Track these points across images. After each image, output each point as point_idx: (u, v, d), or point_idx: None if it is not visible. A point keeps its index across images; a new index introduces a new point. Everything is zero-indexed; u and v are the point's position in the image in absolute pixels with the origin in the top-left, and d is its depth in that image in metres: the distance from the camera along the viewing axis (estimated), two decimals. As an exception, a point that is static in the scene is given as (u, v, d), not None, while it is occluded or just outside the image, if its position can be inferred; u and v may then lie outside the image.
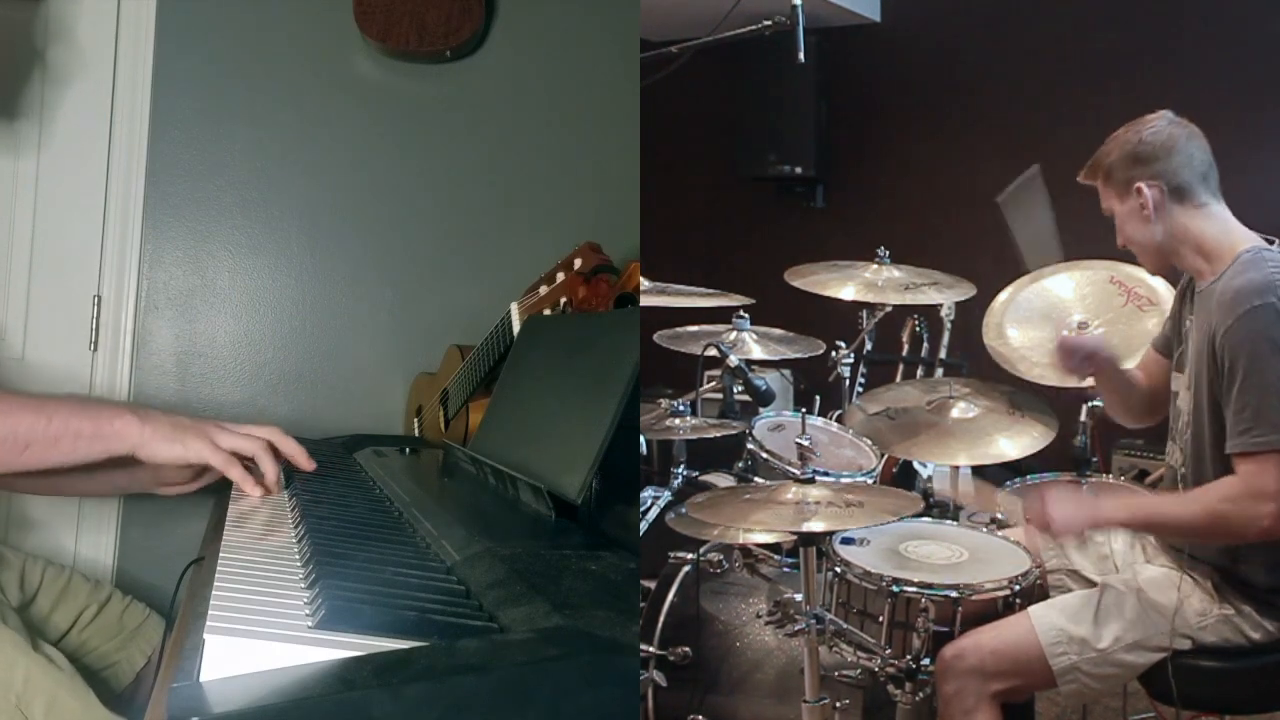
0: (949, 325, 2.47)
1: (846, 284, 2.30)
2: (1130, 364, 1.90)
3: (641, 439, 1.99)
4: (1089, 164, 1.73)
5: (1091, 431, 2.19)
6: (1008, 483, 2.15)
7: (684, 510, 1.88)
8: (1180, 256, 1.68)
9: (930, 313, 2.48)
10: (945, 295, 2.31)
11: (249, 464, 1.59)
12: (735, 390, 1.98)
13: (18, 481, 1.92)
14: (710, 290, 2.41)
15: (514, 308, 2.11)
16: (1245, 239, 1.63)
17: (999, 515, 2.06)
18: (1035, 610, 1.62)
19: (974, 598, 1.65)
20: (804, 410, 2.09)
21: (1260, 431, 1.50)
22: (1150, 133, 1.65)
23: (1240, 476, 1.53)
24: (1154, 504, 1.66)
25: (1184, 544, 1.66)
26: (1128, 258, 2.14)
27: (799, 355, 2.28)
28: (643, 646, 1.86)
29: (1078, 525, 1.60)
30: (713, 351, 2.01)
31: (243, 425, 1.64)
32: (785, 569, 1.99)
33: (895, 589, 1.64)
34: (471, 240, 2.87)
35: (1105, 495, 1.76)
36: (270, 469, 1.58)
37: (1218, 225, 1.64)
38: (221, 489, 1.72)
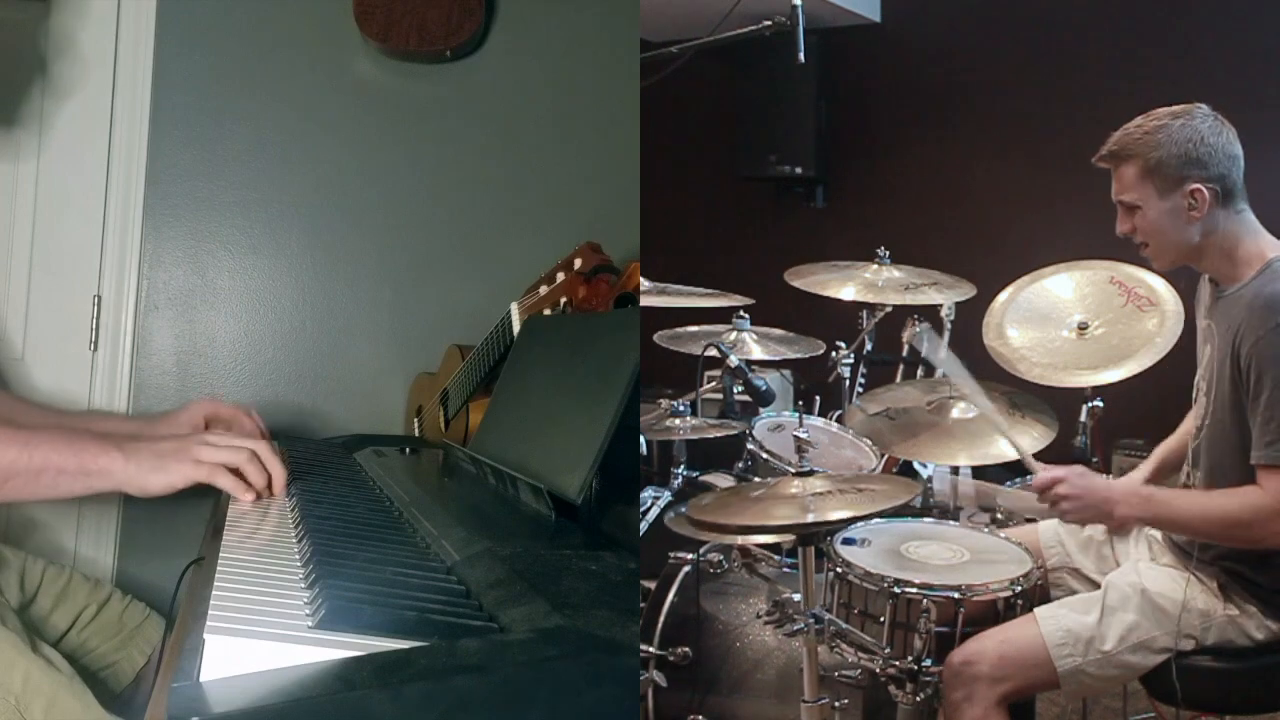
0: (949, 325, 2.47)
1: (846, 284, 2.30)
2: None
3: (641, 439, 1.99)
4: (1115, 149, 1.65)
5: (1091, 431, 2.19)
6: (1008, 483, 2.16)
7: (684, 510, 1.88)
8: (1206, 259, 1.65)
9: (930, 313, 2.48)
10: (945, 295, 2.31)
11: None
12: (735, 390, 1.98)
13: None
14: (710, 290, 2.40)
15: (514, 308, 2.11)
16: (1273, 246, 1.62)
17: (999, 515, 2.07)
18: (1041, 613, 1.62)
19: (976, 598, 1.65)
20: (800, 405, 2.09)
21: None
22: (1210, 132, 1.60)
23: (1265, 489, 1.52)
24: (1171, 503, 1.63)
25: (1192, 541, 1.64)
26: (1127, 257, 2.15)
27: (799, 355, 2.28)
28: (643, 646, 1.85)
29: (1087, 520, 1.58)
30: (713, 351, 2.01)
31: (228, 436, 1.62)
32: (785, 569, 1.99)
33: (896, 590, 1.64)
34: (471, 240, 2.87)
35: (1119, 490, 1.71)
36: (256, 477, 1.56)
37: (1249, 230, 1.63)
38: (220, 490, 1.72)
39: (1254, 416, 1.53)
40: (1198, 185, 1.59)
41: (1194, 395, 1.73)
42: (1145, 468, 1.85)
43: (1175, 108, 1.65)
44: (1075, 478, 1.63)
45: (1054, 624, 1.60)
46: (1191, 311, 1.82)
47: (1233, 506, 1.55)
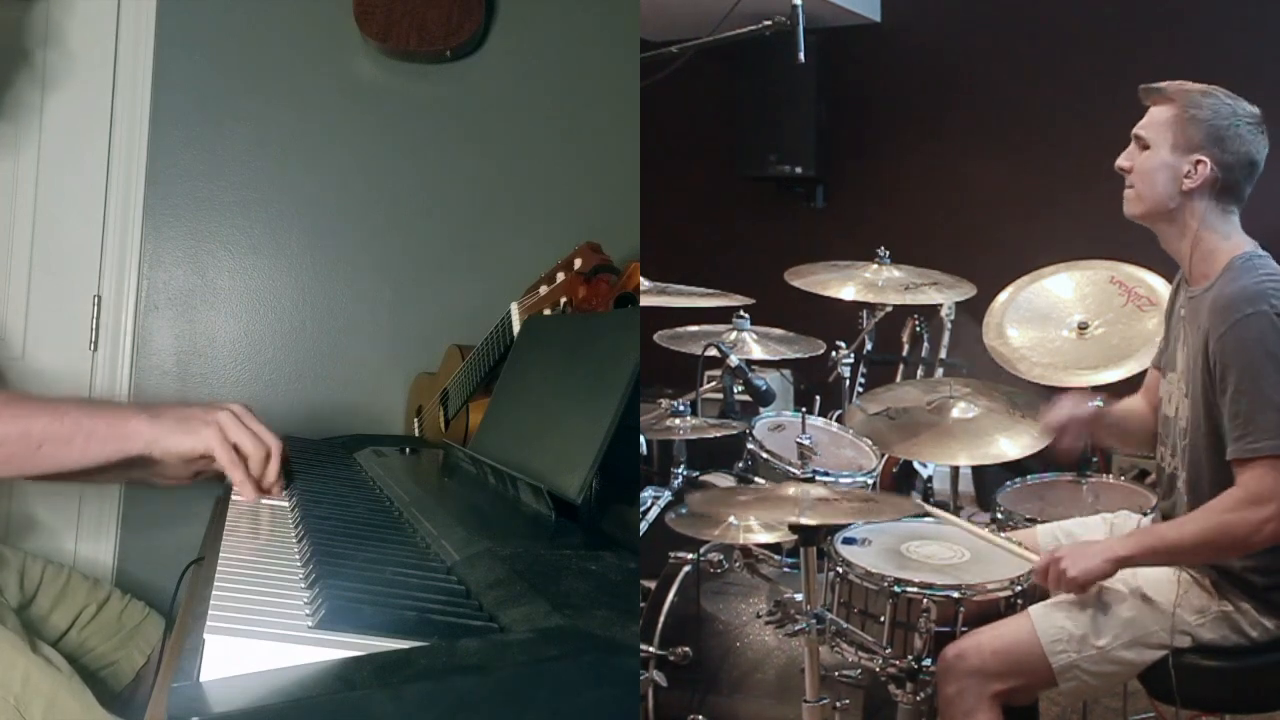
0: (949, 325, 2.47)
1: (846, 284, 2.30)
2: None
3: (641, 439, 1.99)
4: (1165, 87, 1.66)
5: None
6: (1008, 483, 2.16)
7: (684, 510, 1.88)
8: (1176, 239, 1.67)
9: (930, 313, 2.48)
10: (945, 295, 2.31)
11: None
12: (735, 390, 1.98)
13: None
14: (710, 290, 2.40)
15: (514, 308, 2.11)
16: (1242, 245, 1.63)
17: (999, 515, 2.07)
18: (1035, 610, 1.62)
19: (976, 598, 1.65)
20: (804, 410, 2.09)
21: (1255, 437, 1.50)
22: (1248, 128, 1.62)
23: (1239, 484, 1.53)
24: (1159, 531, 1.66)
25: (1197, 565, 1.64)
26: (1128, 257, 2.15)
27: (799, 355, 2.28)
28: (643, 646, 1.85)
29: (1096, 572, 1.59)
30: (713, 351, 2.01)
31: (256, 423, 1.59)
32: (785, 569, 1.99)
33: (897, 589, 1.64)
34: (471, 240, 2.87)
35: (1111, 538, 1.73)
36: (253, 471, 1.55)
37: (1229, 228, 1.64)
38: (221, 488, 1.72)
39: (1225, 413, 1.54)
40: (1204, 159, 1.62)
41: (1160, 405, 1.74)
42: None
43: (1239, 97, 1.67)
44: (1067, 547, 1.64)
45: (1048, 620, 1.60)
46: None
47: (1216, 508, 1.56)
